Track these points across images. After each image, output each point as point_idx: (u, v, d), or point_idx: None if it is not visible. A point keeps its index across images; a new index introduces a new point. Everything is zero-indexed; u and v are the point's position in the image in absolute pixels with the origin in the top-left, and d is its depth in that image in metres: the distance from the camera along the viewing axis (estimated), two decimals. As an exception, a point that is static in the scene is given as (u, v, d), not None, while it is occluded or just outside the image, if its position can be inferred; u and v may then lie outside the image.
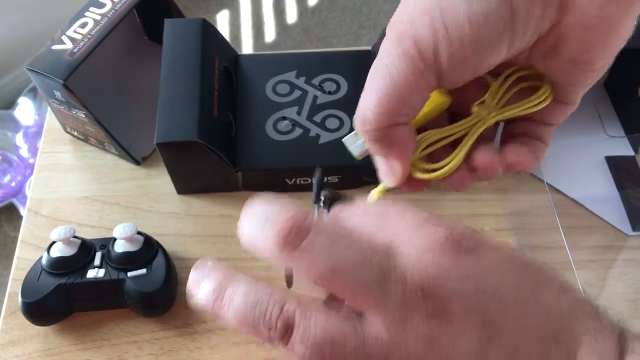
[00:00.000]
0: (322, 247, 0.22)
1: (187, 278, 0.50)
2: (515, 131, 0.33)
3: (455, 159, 0.30)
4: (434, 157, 0.32)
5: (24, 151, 1.34)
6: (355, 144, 0.33)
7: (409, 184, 0.32)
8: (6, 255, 1.32)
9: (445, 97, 0.32)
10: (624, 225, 0.51)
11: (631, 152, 0.54)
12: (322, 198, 0.35)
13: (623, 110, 0.56)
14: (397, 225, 0.25)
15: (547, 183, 0.53)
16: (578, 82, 0.31)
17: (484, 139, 0.31)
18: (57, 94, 0.50)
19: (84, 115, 0.51)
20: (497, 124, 0.32)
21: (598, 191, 0.53)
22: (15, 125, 1.38)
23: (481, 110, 0.31)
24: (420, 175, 0.31)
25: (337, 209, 0.28)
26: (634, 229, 0.50)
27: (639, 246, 0.50)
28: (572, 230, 0.51)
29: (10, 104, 1.44)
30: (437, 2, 0.27)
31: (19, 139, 1.36)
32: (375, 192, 0.32)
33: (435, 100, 0.31)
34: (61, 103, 0.51)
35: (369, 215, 0.26)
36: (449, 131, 0.31)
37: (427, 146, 0.31)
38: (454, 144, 0.31)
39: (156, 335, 0.47)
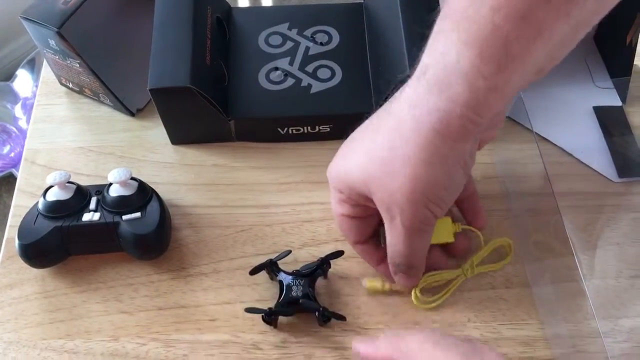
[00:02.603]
0: None
1: (181, 224, 0.51)
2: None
3: (442, 298, 0.46)
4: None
5: (22, 122, 1.35)
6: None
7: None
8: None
9: (453, 238, 0.46)
10: (611, 172, 0.52)
11: (619, 103, 0.55)
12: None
13: (612, 61, 0.57)
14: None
15: (535, 133, 0.53)
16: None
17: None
18: (52, 42, 0.50)
19: (78, 65, 0.52)
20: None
21: (586, 140, 0.54)
22: (14, 97, 1.39)
23: (465, 268, 0.46)
24: (417, 303, 0.45)
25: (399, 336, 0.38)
26: (620, 175, 0.51)
27: (624, 192, 0.51)
28: (560, 178, 0.51)
29: (9, 76, 1.44)
30: (422, 190, 0.38)
31: (18, 110, 1.36)
32: (374, 283, 0.47)
33: (445, 237, 0.46)
34: (56, 52, 0.52)
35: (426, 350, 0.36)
36: (442, 276, 0.46)
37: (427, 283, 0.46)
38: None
39: (151, 279, 0.48)
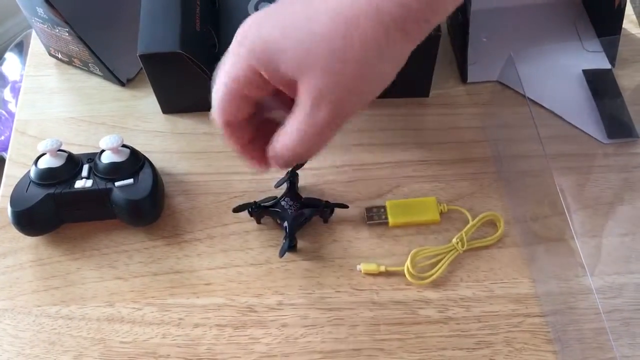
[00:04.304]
0: None
1: (175, 192, 0.51)
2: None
3: (437, 273, 0.45)
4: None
5: (12, 106, 1.34)
6: None
7: None
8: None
9: (439, 218, 0.48)
10: (600, 133, 0.52)
11: (608, 66, 0.55)
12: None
13: (601, 25, 0.57)
14: None
15: (527, 96, 0.53)
16: None
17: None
18: (40, 10, 0.50)
19: (67, 34, 0.51)
20: None
21: (575, 103, 0.54)
22: (2, 81, 1.37)
23: (457, 242, 0.46)
24: (411, 280, 0.45)
25: None
26: (609, 137, 0.52)
27: (613, 153, 0.52)
28: (551, 140, 0.51)
29: (-3, 60, 1.43)
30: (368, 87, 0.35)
31: (7, 93, 1.35)
32: (369, 266, 0.47)
33: (431, 216, 0.48)
34: (44, 21, 0.51)
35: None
36: (433, 252, 0.46)
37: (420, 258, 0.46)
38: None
39: (145, 245, 0.48)
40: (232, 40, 0.53)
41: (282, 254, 0.46)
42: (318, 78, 0.33)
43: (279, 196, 0.47)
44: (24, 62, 1.39)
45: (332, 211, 0.48)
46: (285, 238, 0.46)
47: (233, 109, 0.37)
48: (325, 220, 0.48)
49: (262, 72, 0.34)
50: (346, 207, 0.48)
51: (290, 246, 0.46)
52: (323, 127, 0.35)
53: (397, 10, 0.32)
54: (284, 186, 0.48)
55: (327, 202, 0.48)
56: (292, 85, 0.34)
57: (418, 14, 0.32)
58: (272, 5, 0.35)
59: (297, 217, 0.47)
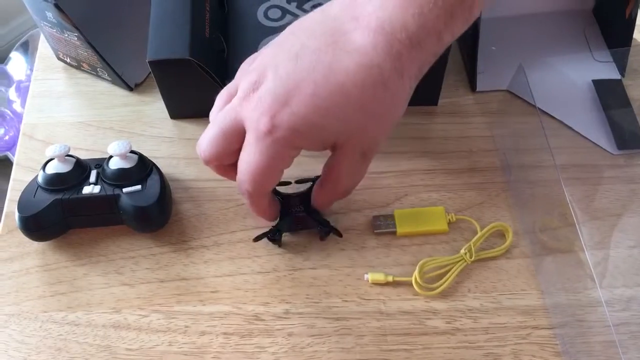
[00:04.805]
0: None
1: (182, 198, 0.51)
2: None
3: (445, 284, 0.45)
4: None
5: (17, 105, 1.34)
6: None
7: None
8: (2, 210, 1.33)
9: (447, 227, 0.48)
10: (610, 144, 0.52)
11: (618, 76, 0.55)
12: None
13: (611, 35, 0.57)
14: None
15: (537, 106, 0.53)
16: None
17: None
18: (49, 15, 0.50)
19: (76, 38, 0.51)
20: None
21: (585, 113, 0.54)
22: (7, 80, 1.38)
23: (465, 253, 0.46)
24: (419, 290, 0.45)
25: None
26: (619, 147, 0.52)
27: (623, 164, 0.51)
28: (560, 151, 0.51)
29: (2, 59, 1.43)
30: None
31: (12, 93, 1.35)
32: (377, 276, 0.46)
33: (440, 227, 0.48)
34: (53, 25, 0.51)
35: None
36: (441, 262, 0.46)
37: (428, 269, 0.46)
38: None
39: (152, 251, 0.48)
40: (241, 47, 0.53)
41: (256, 239, 0.47)
42: (362, 136, 0.39)
43: (295, 191, 0.48)
44: (29, 62, 1.39)
45: (327, 232, 0.47)
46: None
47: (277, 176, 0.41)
48: (321, 239, 0.48)
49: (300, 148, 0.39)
50: (340, 235, 0.48)
51: (272, 238, 0.47)
52: (368, 166, 0.42)
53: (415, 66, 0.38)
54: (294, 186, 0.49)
55: (327, 222, 0.47)
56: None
57: (431, 58, 0.39)
58: (282, 64, 0.37)
59: (293, 220, 0.47)
